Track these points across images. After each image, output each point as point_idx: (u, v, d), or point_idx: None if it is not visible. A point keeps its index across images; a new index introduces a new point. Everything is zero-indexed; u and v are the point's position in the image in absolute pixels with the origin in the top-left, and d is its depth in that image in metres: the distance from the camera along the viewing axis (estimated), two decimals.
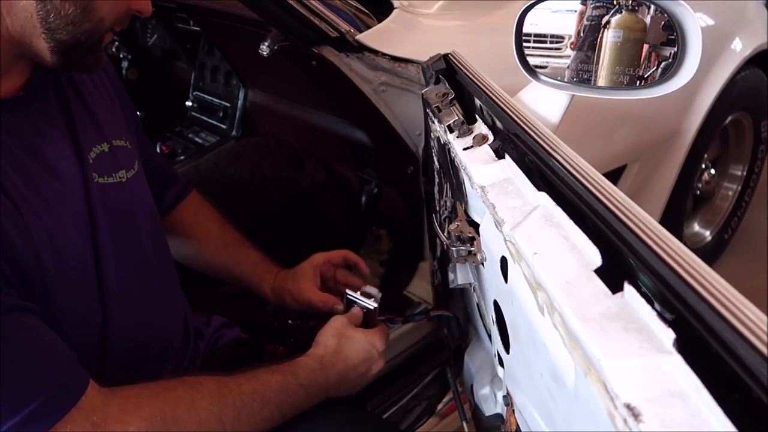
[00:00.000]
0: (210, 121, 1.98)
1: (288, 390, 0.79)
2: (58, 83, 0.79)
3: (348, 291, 0.98)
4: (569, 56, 0.99)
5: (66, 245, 0.73)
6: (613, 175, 1.64)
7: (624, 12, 0.93)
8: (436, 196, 1.07)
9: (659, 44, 0.91)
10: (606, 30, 0.94)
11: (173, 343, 0.93)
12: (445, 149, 0.89)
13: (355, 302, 0.97)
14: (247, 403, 0.74)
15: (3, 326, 0.61)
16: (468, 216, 0.83)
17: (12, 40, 0.67)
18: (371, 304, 0.96)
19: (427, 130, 1.06)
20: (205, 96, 2.00)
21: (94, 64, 0.75)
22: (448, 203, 0.94)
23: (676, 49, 0.86)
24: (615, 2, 0.94)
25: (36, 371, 0.62)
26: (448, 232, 0.81)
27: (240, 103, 1.86)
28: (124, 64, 2.11)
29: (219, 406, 0.72)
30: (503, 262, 0.67)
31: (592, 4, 0.96)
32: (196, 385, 0.72)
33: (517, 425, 0.78)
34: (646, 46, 0.93)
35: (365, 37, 1.16)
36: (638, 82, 0.94)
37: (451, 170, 0.88)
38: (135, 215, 0.86)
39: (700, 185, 2.05)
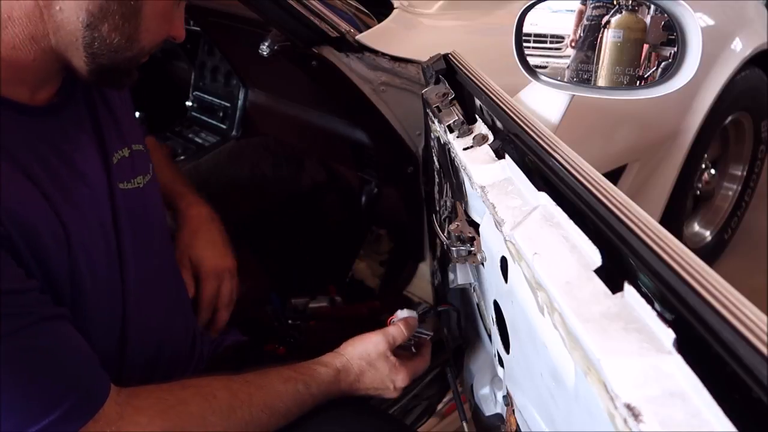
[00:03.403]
0: (210, 121, 1.98)
1: (297, 400, 0.79)
2: (85, 88, 0.79)
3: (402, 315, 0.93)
4: (569, 56, 0.99)
5: (97, 252, 0.74)
6: (613, 175, 1.64)
7: (624, 12, 0.93)
8: (436, 196, 1.07)
9: (659, 44, 0.91)
10: (606, 30, 0.94)
11: (182, 346, 0.93)
12: (445, 149, 0.89)
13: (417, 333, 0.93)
14: (256, 415, 0.75)
15: (35, 336, 0.61)
16: (468, 216, 0.83)
17: (53, 55, 0.68)
18: (427, 333, 0.94)
19: (427, 130, 1.06)
20: (205, 96, 2.00)
21: (127, 83, 0.77)
22: (448, 203, 0.94)
23: (676, 49, 0.86)
24: (615, 2, 0.94)
25: (60, 383, 0.63)
26: (448, 232, 0.81)
27: (240, 103, 1.86)
28: None
29: (228, 422, 0.72)
30: (503, 262, 0.67)
31: (592, 4, 0.96)
32: (209, 398, 0.73)
33: (517, 425, 0.78)
34: (646, 46, 0.93)
35: (365, 37, 1.16)
36: (638, 82, 0.94)
37: (451, 170, 0.88)
38: (150, 220, 0.86)
39: (700, 185, 2.05)
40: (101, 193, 0.77)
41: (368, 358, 0.86)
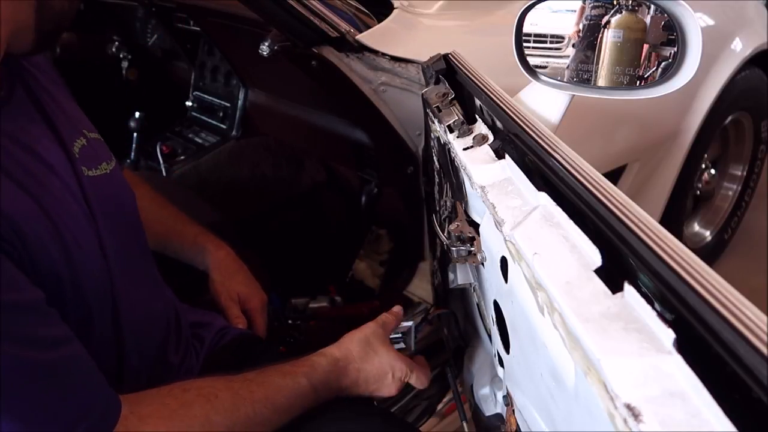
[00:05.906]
0: (210, 121, 1.98)
1: (299, 393, 0.80)
2: (23, 81, 0.76)
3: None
4: (569, 56, 0.99)
5: (87, 245, 0.73)
6: (613, 175, 1.64)
7: (624, 12, 0.93)
8: (436, 196, 1.07)
9: (659, 44, 0.91)
10: (606, 30, 0.94)
11: (169, 328, 0.93)
12: (445, 149, 0.89)
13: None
14: (259, 411, 0.75)
15: (47, 365, 0.61)
16: (468, 216, 0.83)
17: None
18: (409, 322, 0.97)
19: (427, 130, 1.06)
20: (205, 96, 2.00)
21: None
22: (448, 203, 0.94)
23: (676, 49, 0.86)
24: (615, 2, 0.94)
25: (73, 412, 0.62)
26: (448, 232, 0.81)
27: (240, 103, 1.87)
28: (124, 64, 2.11)
29: (232, 419, 0.73)
30: (503, 262, 0.67)
31: (591, 4, 0.96)
32: (211, 399, 0.73)
33: (517, 425, 0.78)
34: (646, 46, 0.93)
35: (365, 37, 1.16)
36: (638, 82, 0.94)
37: (451, 170, 0.88)
38: (123, 206, 0.85)
39: (700, 185, 2.05)
40: (71, 184, 0.74)
41: (367, 340, 0.89)
